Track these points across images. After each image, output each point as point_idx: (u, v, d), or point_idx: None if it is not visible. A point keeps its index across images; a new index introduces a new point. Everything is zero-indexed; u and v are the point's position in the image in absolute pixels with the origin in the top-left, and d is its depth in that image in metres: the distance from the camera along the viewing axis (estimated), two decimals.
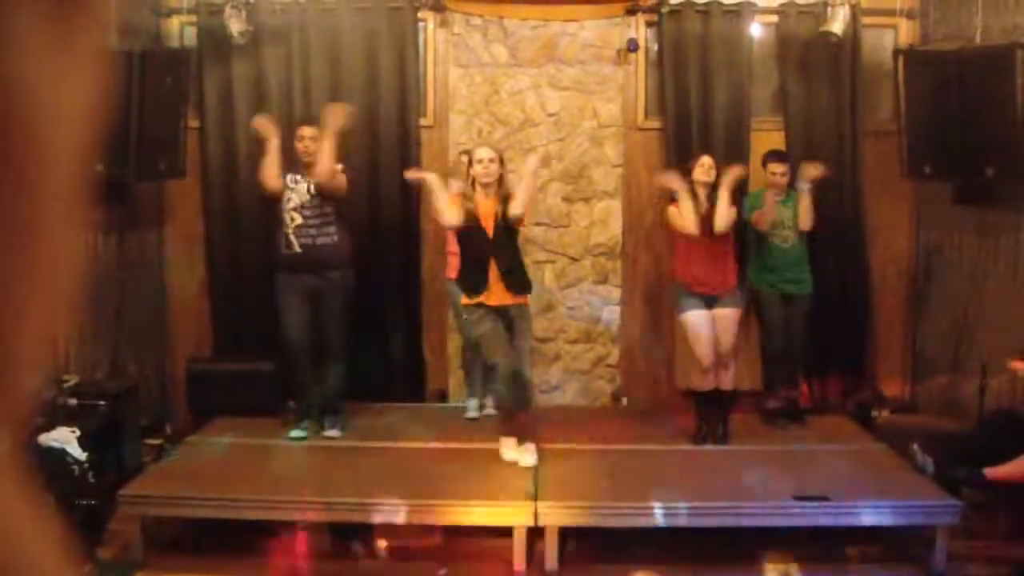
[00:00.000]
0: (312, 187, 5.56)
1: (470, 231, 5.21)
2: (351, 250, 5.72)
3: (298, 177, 5.60)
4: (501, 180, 5.25)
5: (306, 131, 5.62)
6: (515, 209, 5.12)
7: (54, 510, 0.51)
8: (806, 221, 5.84)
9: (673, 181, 5.55)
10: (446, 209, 5.21)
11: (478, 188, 5.22)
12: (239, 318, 6.48)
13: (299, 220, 5.57)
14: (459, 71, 6.67)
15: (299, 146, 5.58)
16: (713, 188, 5.53)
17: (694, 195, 5.52)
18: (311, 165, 5.56)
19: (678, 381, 6.51)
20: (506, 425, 5.33)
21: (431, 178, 5.36)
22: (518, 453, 5.23)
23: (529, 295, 5.45)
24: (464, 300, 5.30)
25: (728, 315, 5.55)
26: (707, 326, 5.51)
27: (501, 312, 5.22)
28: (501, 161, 5.29)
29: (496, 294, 5.20)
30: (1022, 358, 5.09)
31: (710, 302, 5.54)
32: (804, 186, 5.79)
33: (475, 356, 6.00)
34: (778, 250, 5.90)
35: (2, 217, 0.45)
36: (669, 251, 6.11)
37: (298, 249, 5.56)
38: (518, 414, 5.32)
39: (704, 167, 5.53)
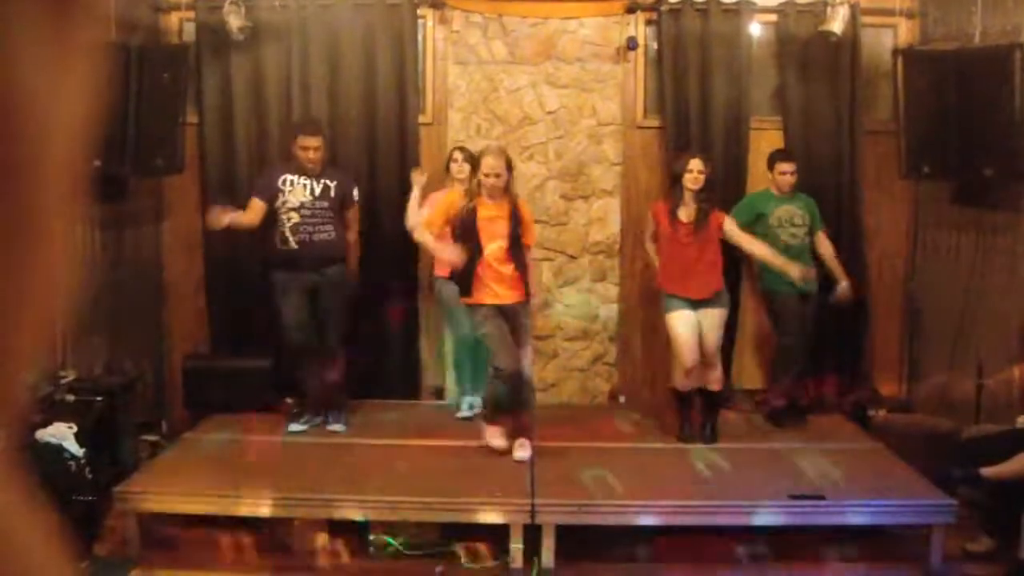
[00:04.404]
0: (314, 188, 5.61)
1: (463, 235, 5.15)
2: (348, 247, 5.78)
3: (295, 178, 5.63)
4: (507, 185, 5.19)
5: (311, 141, 5.64)
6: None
7: (50, 506, 0.51)
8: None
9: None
10: (442, 252, 5.28)
11: (484, 191, 5.15)
12: (236, 315, 6.47)
13: (296, 219, 5.60)
14: (458, 68, 6.66)
15: (303, 155, 5.62)
16: (701, 191, 5.50)
17: (683, 201, 5.51)
18: (313, 170, 5.63)
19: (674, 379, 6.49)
20: (500, 420, 5.31)
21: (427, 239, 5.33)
22: (515, 447, 5.23)
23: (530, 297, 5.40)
24: (464, 300, 5.28)
25: (714, 314, 5.56)
26: (691, 327, 5.51)
27: (504, 310, 5.18)
28: (508, 164, 5.20)
29: (495, 293, 5.17)
30: None
31: (696, 303, 5.54)
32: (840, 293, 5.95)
33: (465, 354, 6.01)
34: (786, 247, 5.87)
35: None
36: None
37: (295, 245, 5.59)
38: (517, 413, 5.31)
39: (693, 174, 5.51)
